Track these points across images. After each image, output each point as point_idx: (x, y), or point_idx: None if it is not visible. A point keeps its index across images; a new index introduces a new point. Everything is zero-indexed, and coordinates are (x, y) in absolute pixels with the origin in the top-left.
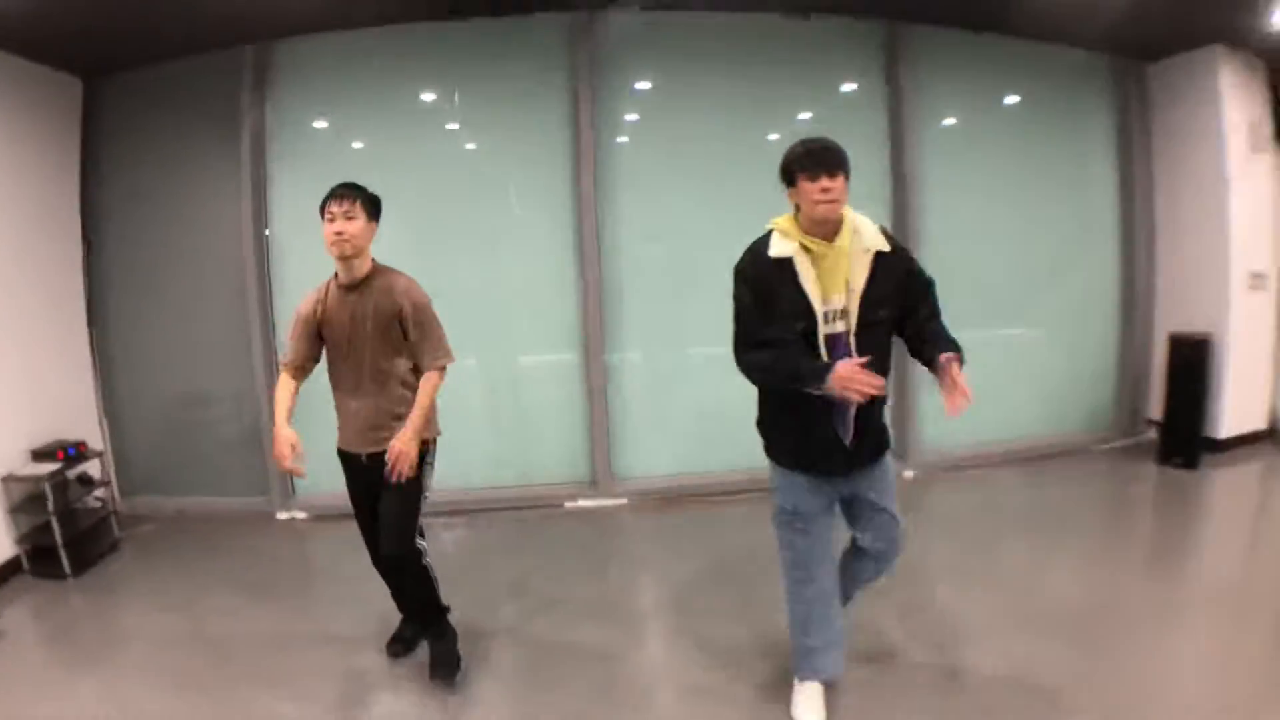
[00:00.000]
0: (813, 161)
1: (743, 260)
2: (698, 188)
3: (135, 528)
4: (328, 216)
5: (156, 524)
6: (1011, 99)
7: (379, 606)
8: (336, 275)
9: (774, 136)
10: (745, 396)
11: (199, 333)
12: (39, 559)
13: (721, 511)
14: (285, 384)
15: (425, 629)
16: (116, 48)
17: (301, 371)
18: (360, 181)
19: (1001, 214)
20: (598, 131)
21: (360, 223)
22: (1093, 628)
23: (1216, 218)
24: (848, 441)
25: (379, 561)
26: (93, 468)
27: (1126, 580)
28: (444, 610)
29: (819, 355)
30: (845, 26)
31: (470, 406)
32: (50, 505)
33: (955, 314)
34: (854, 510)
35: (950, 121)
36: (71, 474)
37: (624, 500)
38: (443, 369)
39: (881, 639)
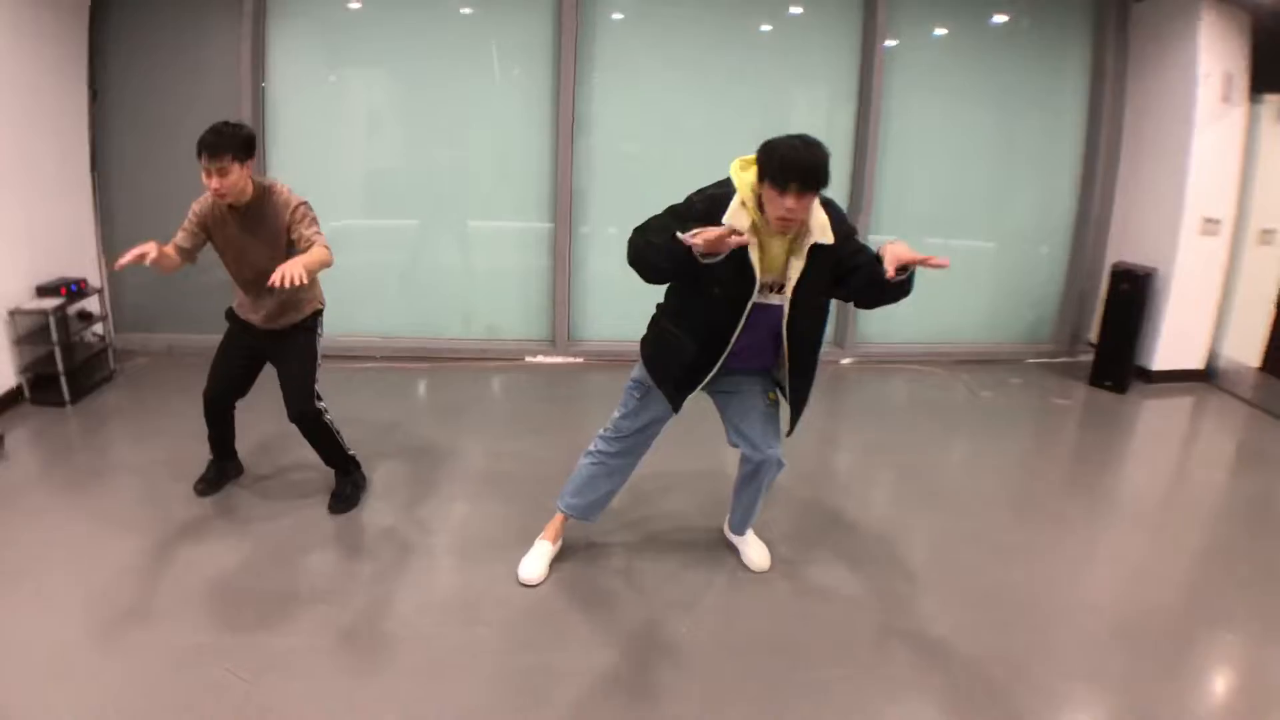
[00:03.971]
0: (785, 175)
1: (700, 202)
2: (682, 71)
3: (129, 361)
4: (202, 168)
5: (149, 358)
6: (990, 17)
7: (352, 433)
8: None
9: (766, 28)
10: None
11: (195, 180)
12: (40, 387)
13: None
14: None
15: (342, 475)
16: None
17: (184, 254)
18: (354, 41)
19: (966, 127)
20: (585, 6)
21: (234, 175)
22: (985, 515)
23: (1177, 160)
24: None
25: (214, 406)
26: (92, 304)
27: (1025, 478)
28: (353, 459)
29: (735, 319)
30: None
31: (442, 262)
32: (54, 337)
33: (909, 219)
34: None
35: (925, 29)
36: (72, 309)
37: (580, 359)
38: (327, 248)
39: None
